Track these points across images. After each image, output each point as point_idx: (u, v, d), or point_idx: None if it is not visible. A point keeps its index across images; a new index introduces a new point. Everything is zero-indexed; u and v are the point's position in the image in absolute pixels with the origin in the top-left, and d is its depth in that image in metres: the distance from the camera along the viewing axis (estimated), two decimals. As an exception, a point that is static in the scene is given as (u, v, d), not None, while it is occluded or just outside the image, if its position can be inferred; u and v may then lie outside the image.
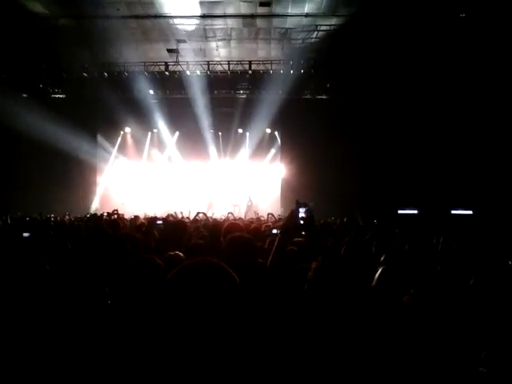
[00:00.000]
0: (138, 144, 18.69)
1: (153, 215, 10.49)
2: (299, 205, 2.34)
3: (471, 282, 2.04)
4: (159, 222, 4.26)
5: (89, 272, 2.76)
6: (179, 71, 15.56)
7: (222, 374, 1.19)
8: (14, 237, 4.52)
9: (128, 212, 12.52)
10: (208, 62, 15.52)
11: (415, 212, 13.00)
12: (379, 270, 2.07)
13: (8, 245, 4.20)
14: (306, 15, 12.98)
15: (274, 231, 4.59)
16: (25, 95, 15.67)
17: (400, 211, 13.12)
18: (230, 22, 13.70)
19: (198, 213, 9.08)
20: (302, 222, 2.31)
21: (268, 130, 17.79)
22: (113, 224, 6.68)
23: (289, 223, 2.35)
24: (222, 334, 1.20)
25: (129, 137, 18.61)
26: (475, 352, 1.58)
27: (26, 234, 4.38)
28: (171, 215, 9.35)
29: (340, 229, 5.81)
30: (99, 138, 17.69)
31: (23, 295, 2.21)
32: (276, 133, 17.89)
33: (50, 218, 10.39)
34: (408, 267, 2.11)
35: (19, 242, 4.09)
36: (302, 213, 2.32)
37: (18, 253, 3.61)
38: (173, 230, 4.01)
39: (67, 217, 11.11)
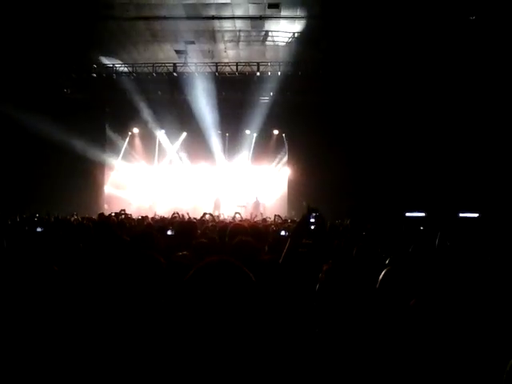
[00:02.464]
0: (146, 144, 18.76)
1: (160, 216, 10.52)
2: (311, 210, 2.36)
3: (477, 284, 2.04)
4: (170, 232, 4.22)
5: (98, 272, 2.79)
6: (187, 72, 15.63)
7: (235, 370, 1.20)
8: (24, 234, 4.56)
9: (135, 212, 12.58)
10: (216, 63, 15.58)
11: (423, 215, 12.95)
12: (383, 272, 2.08)
13: (17, 243, 4.23)
14: (315, 17, 12.99)
15: (283, 233, 4.62)
16: (32, 96, 15.78)
17: (407, 214, 13.07)
18: (239, 24, 13.75)
19: (205, 214, 9.12)
20: (312, 227, 2.33)
21: (275, 132, 17.81)
22: (120, 224, 6.73)
23: (300, 228, 2.36)
24: (240, 333, 1.21)
25: (137, 137, 18.71)
26: (480, 355, 1.58)
27: (39, 229, 4.42)
28: (177, 213, 9.35)
29: (345, 231, 5.81)
30: (107, 138, 17.79)
31: (28, 296, 2.23)
32: (283, 134, 17.91)
33: (58, 217, 10.45)
34: (413, 269, 2.12)
35: (30, 240, 4.13)
36: (313, 218, 2.33)
37: (26, 252, 3.65)
38: (183, 231, 4.03)
39: (75, 216, 11.18)
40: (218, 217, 11.64)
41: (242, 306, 1.21)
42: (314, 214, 2.33)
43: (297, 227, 2.41)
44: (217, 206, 16.70)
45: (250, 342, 1.21)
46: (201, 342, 1.19)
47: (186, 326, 1.21)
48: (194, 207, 15.56)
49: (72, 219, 9.79)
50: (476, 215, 12.03)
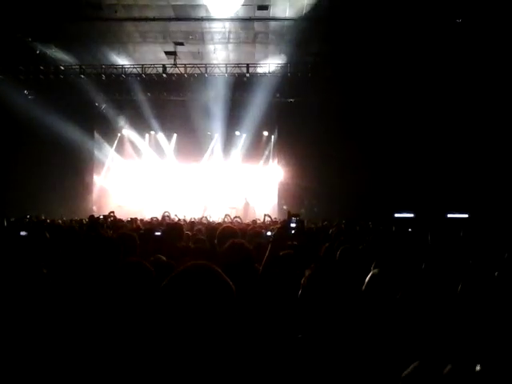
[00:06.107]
0: (136, 146, 18.69)
1: (149, 219, 10.47)
2: (291, 216, 2.43)
3: (459, 287, 2.06)
4: (158, 233, 4.21)
5: (85, 275, 2.77)
6: (177, 74, 15.59)
7: (215, 378, 1.20)
8: (11, 238, 4.51)
9: (124, 214, 12.49)
10: (206, 64, 15.55)
11: (411, 215, 13.02)
12: (369, 275, 2.10)
13: (5, 247, 4.19)
14: (303, 19, 13.02)
15: (269, 233, 4.59)
16: (21, 97, 15.61)
17: (396, 215, 13.14)
18: (228, 25, 13.75)
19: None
20: (293, 231, 2.39)
21: (265, 133, 17.85)
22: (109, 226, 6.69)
23: (281, 233, 2.42)
24: (217, 339, 1.21)
25: (126, 139, 18.62)
26: (466, 354, 1.59)
27: (23, 233, 4.32)
28: (167, 216, 9.30)
29: (335, 233, 5.80)
30: (96, 139, 17.69)
31: (20, 299, 2.21)
32: (273, 136, 17.95)
33: (46, 219, 10.35)
34: (399, 271, 2.14)
35: (16, 243, 4.08)
36: (293, 223, 2.40)
37: (15, 255, 3.62)
38: (169, 233, 4.02)
39: (62, 219, 11.08)
40: (208, 219, 11.59)
41: (215, 312, 1.21)
42: (294, 219, 2.39)
43: (278, 232, 2.46)
44: (205, 208, 16.67)
45: (224, 349, 1.22)
46: (175, 346, 1.20)
47: (164, 332, 1.22)
48: (184, 209, 15.51)
49: (60, 221, 9.70)
50: (465, 216, 12.12)
